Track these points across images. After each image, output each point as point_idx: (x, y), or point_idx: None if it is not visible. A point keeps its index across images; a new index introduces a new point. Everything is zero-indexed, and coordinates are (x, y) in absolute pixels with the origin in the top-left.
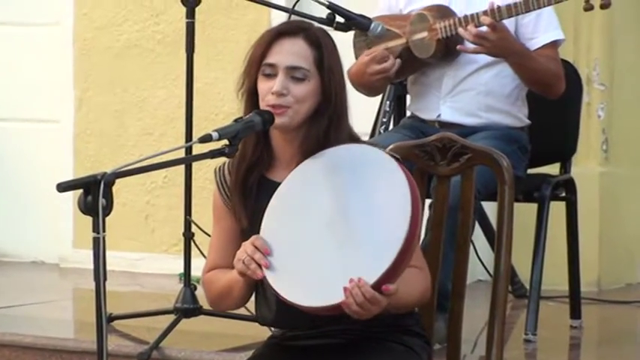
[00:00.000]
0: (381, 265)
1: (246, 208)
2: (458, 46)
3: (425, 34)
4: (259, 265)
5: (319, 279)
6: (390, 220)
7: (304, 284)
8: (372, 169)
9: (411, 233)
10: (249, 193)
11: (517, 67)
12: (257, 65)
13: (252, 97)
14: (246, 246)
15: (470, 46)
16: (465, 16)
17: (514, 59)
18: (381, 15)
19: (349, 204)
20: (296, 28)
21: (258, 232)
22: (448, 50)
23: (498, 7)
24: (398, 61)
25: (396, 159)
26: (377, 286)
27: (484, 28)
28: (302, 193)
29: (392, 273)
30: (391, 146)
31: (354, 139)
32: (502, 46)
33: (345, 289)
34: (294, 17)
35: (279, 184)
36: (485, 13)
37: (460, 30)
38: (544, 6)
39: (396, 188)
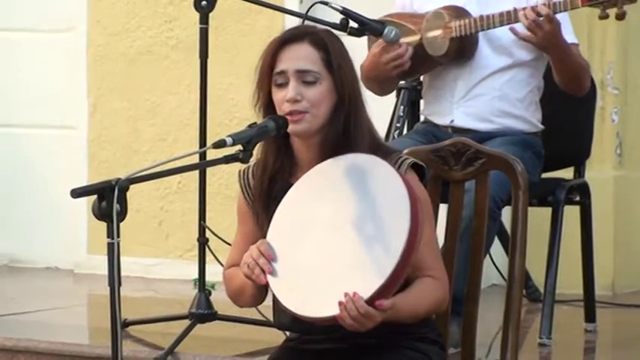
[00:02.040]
0: (376, 281)
1: (269, 217)
2: (510, 26)
3: (439, 31)
4: (263, 271)
5: (317, 289)
6: (389, 235)
7: (303, 294)
8: (375, 183)
9: (407, 250)
10: (273, 202)
11: (558, 62)
12: (268, 76)
13: (268, 109)
14: (252, 250)
15: (522, 31)
16: (481, 17)
17: (558, 54)
18: (397, 12)
19: (351, 216)
20: (300, 33)
21: None
22: (461, 50)
23: (554, 2)
24: (410, 48)
25: (421, 166)
26: (371, 301)
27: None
28: (307, 202)
29: (387, 289)
30: (405, 151)
31: (374, 137)
32: (551, 38)
33: (340, 302)
34: (307, 23)
35: None
36: (544, 3)
37: (519, 14)
38: (560, 12)
39: (397, 202)
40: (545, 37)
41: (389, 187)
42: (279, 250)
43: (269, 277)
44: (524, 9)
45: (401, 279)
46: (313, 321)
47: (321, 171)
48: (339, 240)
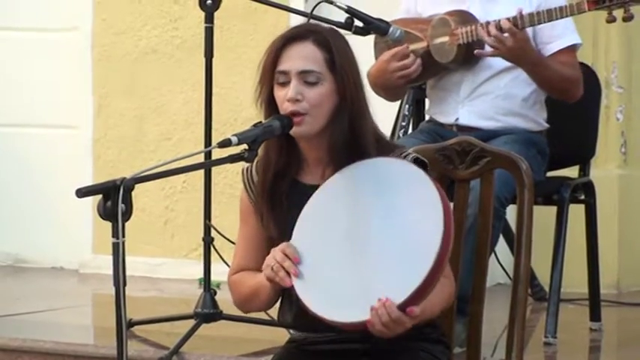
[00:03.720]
0: (409, 287)
1: (275, 216)
2: (475, 51)
3: (446, 38)
4: (288, 273)
5: (346, 295)
6: (422, 240)
7: (331, 298)
8: (407, 187)
9: (441, 255)
10: (278, 201)
11: (532, 74)
12: (270, 74)
13: (270, 105)
14: (276, 252)
15: (487, 49)
16: (488, 22)
17: (528, 67)
18: (402, 18)
19: (381, 221)
20: (304, 31)
21: (288, 238)
22: (468, 56)
23: (521, 15)
24: (419, 60)
25: (422, 162)
26: (403, 307)
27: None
28: (335, 206)
29: (419, 295)
30: (410, 150)
31: (378, 135)
32: (518, 54)
33: (372, 307)
34: (312, 22)
35: (310, 186)
36: (507, 18)
37: (479, 29)
38: (566, 16)
39: (429, 208)
40: (509, 51)
41: (421, 191)
42: (304, 254)
43: (294, 281)
44: (529, 15)
45: (434, 285)
46: (342, 326)
47: (348, 174)
48: (369, 245)
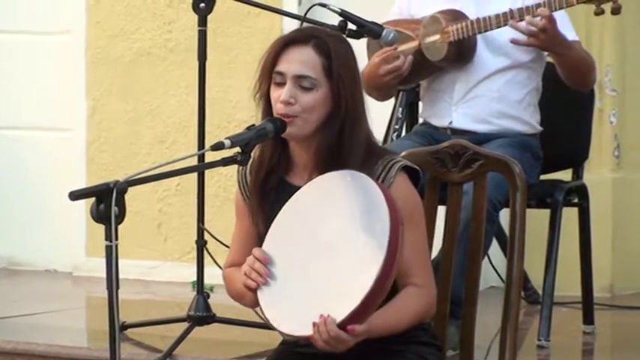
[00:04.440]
0: (348, 305)
1: (263, 212)
2: (510, 39)
3: (437, 36)
4: (260, 275)
5: (297, 307)
6: (366, 258)
7: (283, 308)
8: (363, 203)
9: (382, 276)
10: (267, 198)
11: (563, 58)
12: (268, 73)
13: (267, 103)
14: (248, 258)
15: (522, 38)
16: (478, 19)
17: (562, 50)
18: (395, 19)
19: (335, 236)
20: (307, 36)
21: None
22: (460, 54)
23: (548, 0)
24: (410, 57)
25: (414, 170)
26: (342, 325)
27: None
28: (299, 215)
29: (359, 314)
30: (403, 153)
31: (371, 144)
32: (553, 38)
33: (314, 324)
34: (305, 25)
35: (296, 187)
36: (537, 5)
37: (511, 22)
38: (554, 10)
39: (378, 227)
40: (548, 38)
41: (374, 209)
42: (271, 259)
43: (260, 286)
44: (519, 9)
45: (375, 304)
46: (289, 338)
47: (315, 185)
48: (323, 259)
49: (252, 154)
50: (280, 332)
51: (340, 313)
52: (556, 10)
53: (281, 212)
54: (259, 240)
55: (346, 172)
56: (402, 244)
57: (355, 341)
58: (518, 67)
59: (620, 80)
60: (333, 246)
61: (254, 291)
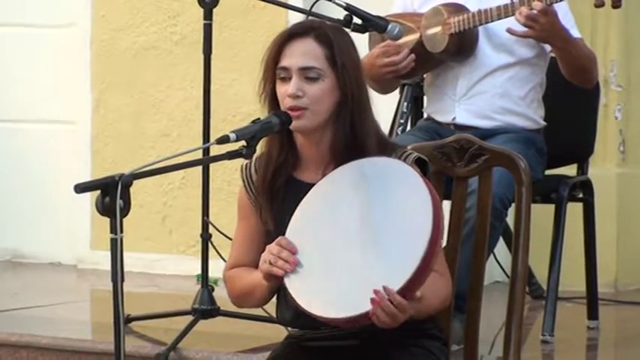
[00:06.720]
0: (405, 273)
1: (273, 210)
2: (507, 28)
3: (439, 28)
4: (287, 263)
5: (342, 290)
6: (413, 229)
7: (327, 295)
8: (396, 182)
9: (433, 239)
10: (276, 195)
11: (562, 52)
12: (272, 69)
13: (273, 101)
14: (271, 247)
15: (519, 29)
16: (480, 10)
17: (560, 44)
18: (398, 13)
19: (373, 215)
20: (306, 28)
21: (284, 234)
22: (461, 46)
23: None
24: (412, 55)
25: (423, 161)
26: (402, 292)
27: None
28: (328, 203)
29: (417, 279)
30: (409, 147)
31: (380, 136)
32: (550, 30)
33: (373, 300)
34: (311, 18)
35: (307, 184)
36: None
37: (516, 15)
38: (556, 2)
39: (418, 198)
40: (543, 30)
41: (409, 184)
42: (297, 249)
43: (286, 280)
44: (520, 0)
45: (427, 274)
46: (341, 322)
47: (343, 172)
48: (361, 240)
49: (256, 148)
50: (329, 320)
51: (396, 283)
52: (557, 2)
53: (305, 200)
54: (268, 238)
55: (372, 158)
56: (442, 213)
57: (413, 310)
58: (522, 63)
59: (625, 75)
60: (369, 225)
61: (280, 280)
